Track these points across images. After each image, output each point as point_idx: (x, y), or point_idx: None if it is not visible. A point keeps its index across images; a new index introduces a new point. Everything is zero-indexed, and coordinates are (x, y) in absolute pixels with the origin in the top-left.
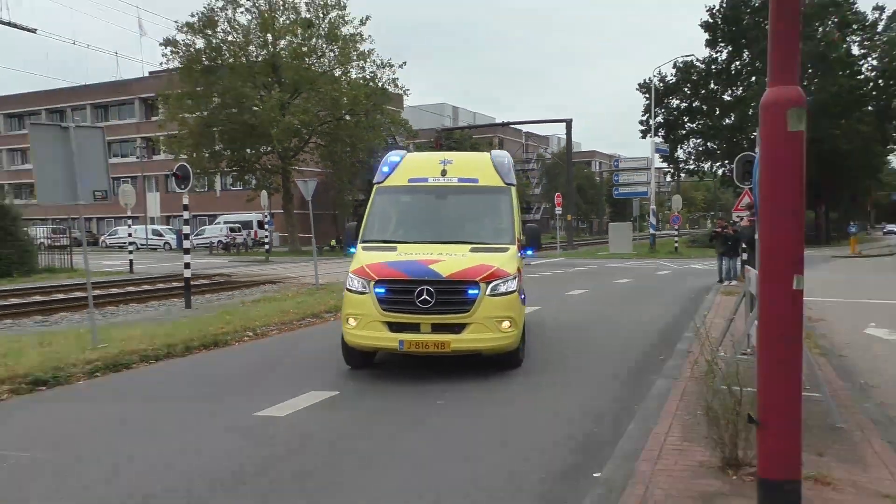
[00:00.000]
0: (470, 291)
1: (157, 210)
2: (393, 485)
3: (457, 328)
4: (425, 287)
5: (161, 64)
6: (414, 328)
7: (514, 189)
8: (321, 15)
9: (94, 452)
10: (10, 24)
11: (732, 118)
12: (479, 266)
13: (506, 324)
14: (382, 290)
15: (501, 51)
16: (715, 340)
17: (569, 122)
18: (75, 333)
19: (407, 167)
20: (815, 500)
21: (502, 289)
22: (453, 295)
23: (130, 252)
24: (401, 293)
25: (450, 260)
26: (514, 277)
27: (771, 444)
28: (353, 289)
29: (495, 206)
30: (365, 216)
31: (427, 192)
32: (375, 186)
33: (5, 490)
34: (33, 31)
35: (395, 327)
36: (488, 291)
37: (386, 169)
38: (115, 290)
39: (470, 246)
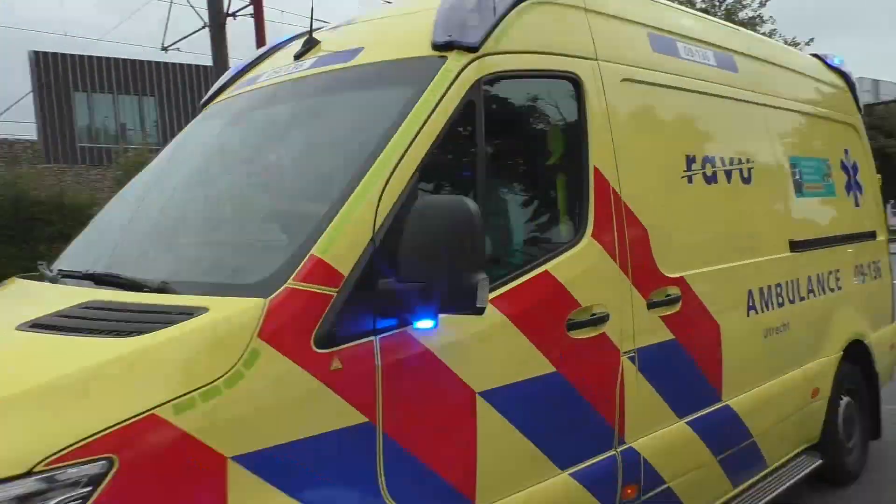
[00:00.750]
0: None
1: None
2: None
3: None
4: None
5: None
6: None
7: (466, 65)
8: (717, 3)
9: None
10: None
11: None
12: None
13: None
14: None
15: None
16: None
17: None
18: None
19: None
20: None
21: None
22: None
23: None
24: None
25: None
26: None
27: None
28: None
29: (352, 128)
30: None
31: (242, 111)
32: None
33: None
34: None
35: None
36: None
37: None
38: None
39: (78, 306)
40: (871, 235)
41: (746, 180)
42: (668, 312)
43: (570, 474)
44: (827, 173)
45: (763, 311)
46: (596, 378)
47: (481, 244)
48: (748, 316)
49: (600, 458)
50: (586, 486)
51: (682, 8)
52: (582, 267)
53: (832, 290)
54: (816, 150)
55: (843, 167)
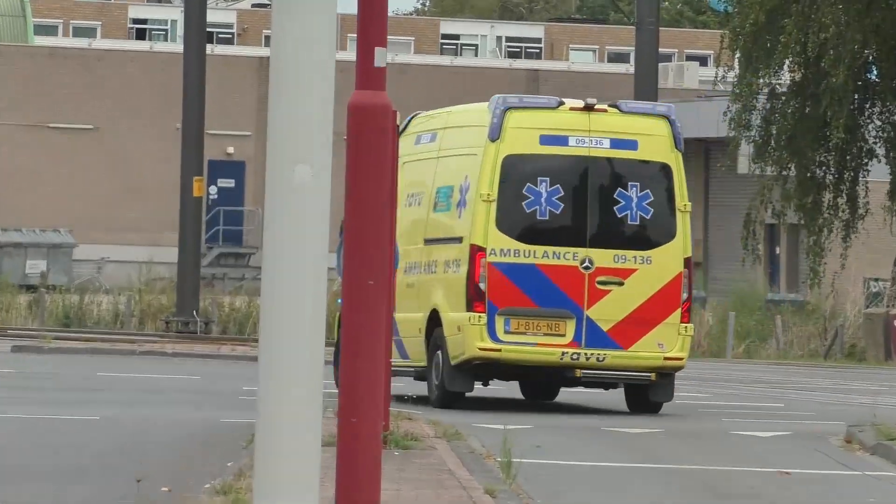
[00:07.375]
0: None
1: None
2: None
3: None
4: None
5: None
6: None
7: None
8: None
9: None
10: None
11: None
12: None
13: None
14: None
15: None
16: None
17: None
18: None
19: None
20: None
21: None
22: None
23: None
24: None
25: None
26: None
27: None
28: None
29: None
30: None
31: None
32: None
33: None
34: None
35: None
36: None
37: None
38: None
39: None
40: (458, 240)
41: (418, 204)
42: None
43: None
44: (450, 195)
45: (407, 274)
46: None
47: None
48: (404, 274)
49: None
50: None
51: None
52: None
53: (433, 273)
54: (447, 179)
55: (460, 189)
